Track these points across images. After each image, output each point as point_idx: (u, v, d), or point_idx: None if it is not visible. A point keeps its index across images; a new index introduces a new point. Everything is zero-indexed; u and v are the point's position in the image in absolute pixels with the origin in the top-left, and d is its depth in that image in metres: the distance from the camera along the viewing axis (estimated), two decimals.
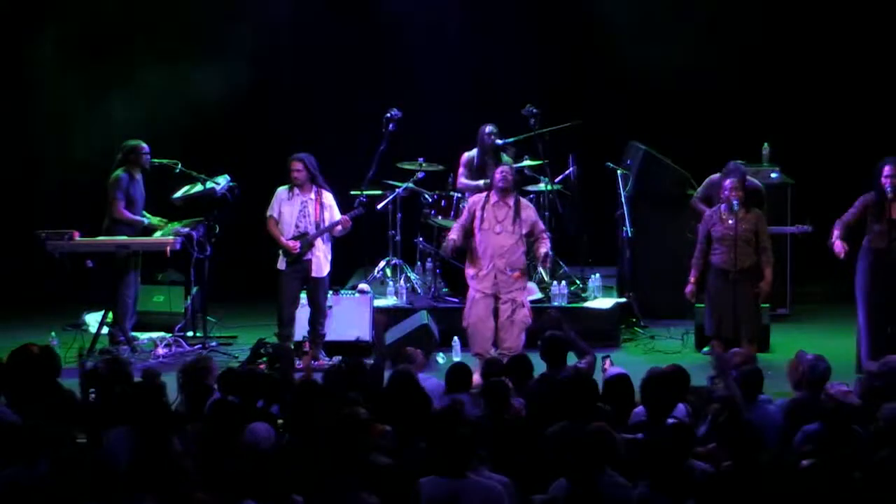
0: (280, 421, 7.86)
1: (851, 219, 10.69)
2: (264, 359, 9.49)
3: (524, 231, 11.04)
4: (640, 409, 7.88)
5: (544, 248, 11.09)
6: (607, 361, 9.61)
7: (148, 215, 12.12)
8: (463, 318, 11.16)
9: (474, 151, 12.78)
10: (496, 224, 11.02)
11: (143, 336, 12.34)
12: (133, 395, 7.59)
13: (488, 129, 12.70)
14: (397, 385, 7.99)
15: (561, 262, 12.92)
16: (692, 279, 11.00)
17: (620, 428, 7.52)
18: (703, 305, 11.42)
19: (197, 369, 8.32)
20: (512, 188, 11.15)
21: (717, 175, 11.67)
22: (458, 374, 8.46)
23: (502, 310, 11.02)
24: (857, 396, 7.96)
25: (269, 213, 11.53)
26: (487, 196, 11.13)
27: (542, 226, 11.31)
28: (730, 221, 10.74)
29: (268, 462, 6.62)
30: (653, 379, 7.92)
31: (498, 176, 11.13)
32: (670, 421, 7.50)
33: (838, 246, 10.63)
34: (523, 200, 11.33)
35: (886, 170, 10.58)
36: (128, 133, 12.38)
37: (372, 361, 9.08)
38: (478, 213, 11.08)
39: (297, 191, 11.49)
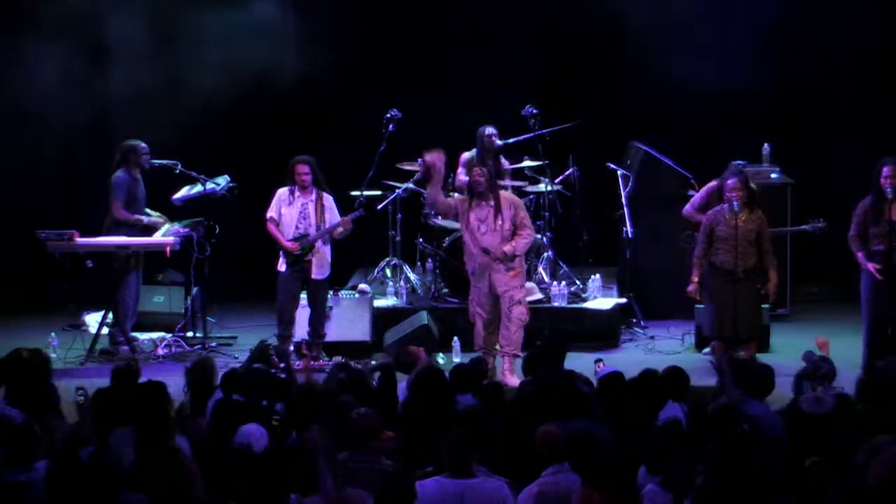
0: (275, 423, 7.84)
1: (859, 230, 10.67)
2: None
3: (507, 226, 11.03)
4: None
5: (509, 246, 10.96)
6: (600, 364, 9.63)
7: (149, 211, 12.13)
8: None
9: (474, 152, 12.80)
10: (480, 224, 11.02)
11: (143, 336, 12.33)
12: (136, 396, 7.61)
13: (488, 130, 12.71)
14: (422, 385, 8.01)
15: (561, 263, 12.92)
16: (695, 278, 10.96)
17: (615, 426, 7.54)
18: (702, 306, 11.42)
19: (202, 370, 8.33)
20: (488, 189, 11.10)
21: (714, 182, 11.64)
22: (460, 375, 8.48)
23: (502, 305, 11.04)
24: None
25: (268, 215, 11.52)
26: (470, 198, 11.12)
27: (523, 219, 11.07)
28: (733, 221, 10.72)
29: (264, 462, 6.64)
30: (646, 380, 7.96)
31: (476, 179, 11.09)
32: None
33: (871, 267, 10.59)
34: (507, 195, 11.28)
35: (885, 171, 10.56)
36: (128, 133, 12.37)
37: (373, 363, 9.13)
38: (462, 213, 11.10)
39: (297, 193, 11.49)
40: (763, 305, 11.44)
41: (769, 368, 8.28)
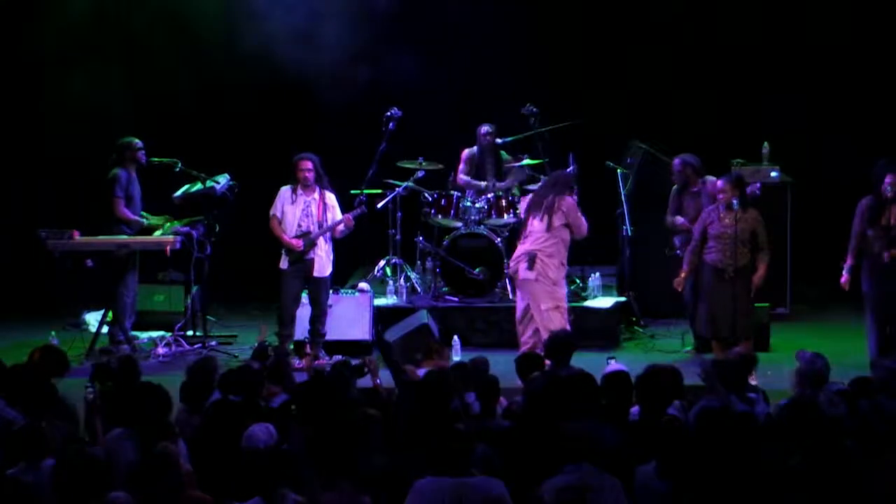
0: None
1: (861, 228, 10.70)
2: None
3: None
4: (635, 408, 7.93)
5: None
6: (612, 362, 9.63)
7: (147, 215, 12.12)
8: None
9: (474, 149, 12.88)
10: None
11: (143, 335, 12.34)
12: (136, 395, 7.61)
13: (484, 128, 12.77)
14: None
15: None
16: (682, 273, 11.04)
17: (619, 425, 7.55)
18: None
19: (204, 370, 8.33)
20: None
21: (674, 188, 11.70)
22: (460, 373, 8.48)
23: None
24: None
25: (272, 213, 11.52)
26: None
27: None
28: (727, 220, 10.75)
29: (267, 461, 6.65)
30: (648, 377, 7.97)
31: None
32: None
33: (844, 279, 10.74)
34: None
35: (888, 178, 10.58)
36: (127, 130, 12.38)
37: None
38: None
39: (300, 190, 11.48)
40: (763, 305, 11.47)
41: (745, 363, 8.35)
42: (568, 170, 11.69)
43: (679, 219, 11.54)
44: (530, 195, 11.44)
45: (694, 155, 11.67)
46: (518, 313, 11.20)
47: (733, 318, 10.78)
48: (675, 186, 11.75)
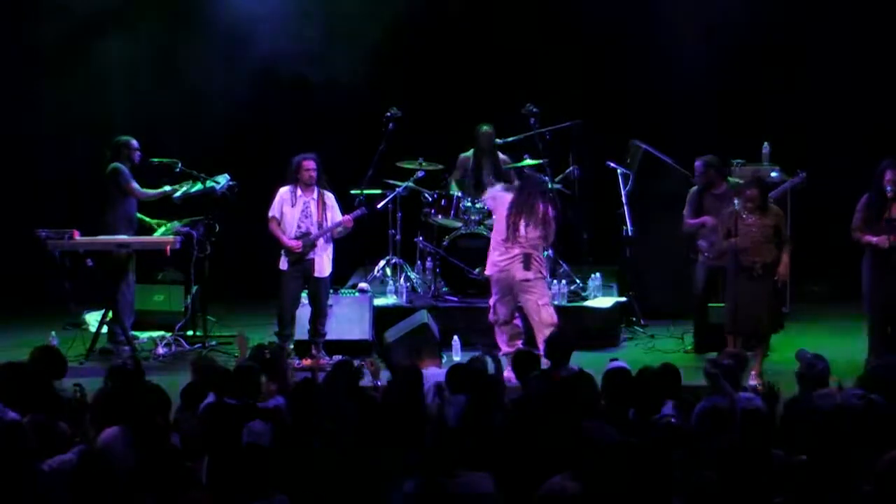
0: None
1: (861, 223, 10.71)
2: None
3: None
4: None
5: None
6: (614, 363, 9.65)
7: (143, 217, 12.14)
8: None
9: (470, 152, 12.88)
10: None
11: (143, 335, 12.34)
12: (135, 395, 7.60)
13: (483, 129, 12.78)
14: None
15: (561, 262, 12.92)
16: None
17: (618, 424, 7.55)
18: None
19: (208, 368, 8.32)
20: None
21: (693, 188, 11.69)
22: (458, 374, 8.47)
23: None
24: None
25: (270, 214, 11.52)
26: None
27: None
28: (749, 220, 10.76)
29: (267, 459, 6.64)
30: (637, 379, 7.98)
31: None
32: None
33: (881, 240, 10.61)
34: None
35: (888, 175, 10.59)
36: (126, 130, 12.38)
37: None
38: None
39: (300, 191, 11.48)
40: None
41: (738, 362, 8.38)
42: (539, 173, 11.72)
43: (707, 219, 11.49)
44: (512, 197, 11.19)
45: (714, 155, 11.70)
46: (491, 315, 11.19)
47: (760, 314, 10.80)
48: (694, 188, 11.74)
